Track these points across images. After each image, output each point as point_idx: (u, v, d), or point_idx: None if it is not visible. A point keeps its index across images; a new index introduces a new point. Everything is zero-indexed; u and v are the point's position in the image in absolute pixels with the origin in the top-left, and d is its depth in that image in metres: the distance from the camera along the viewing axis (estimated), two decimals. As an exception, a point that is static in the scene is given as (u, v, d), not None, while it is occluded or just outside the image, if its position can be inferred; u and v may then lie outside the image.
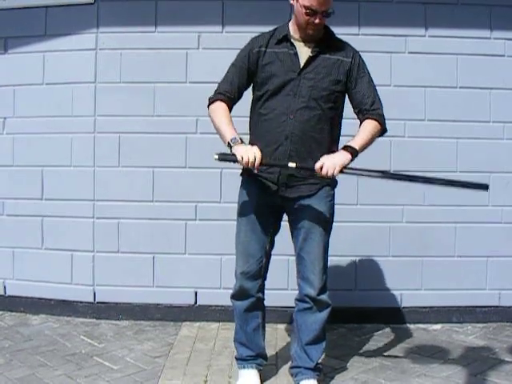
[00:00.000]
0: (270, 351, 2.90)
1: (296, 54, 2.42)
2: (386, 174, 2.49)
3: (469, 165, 3.48)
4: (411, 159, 3.47)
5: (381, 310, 3.51)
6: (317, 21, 2.33)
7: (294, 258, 2.60)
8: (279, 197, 2.47)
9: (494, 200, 3.48)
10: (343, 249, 3.47)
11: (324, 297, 2.51)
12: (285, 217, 2.59)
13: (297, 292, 2.59)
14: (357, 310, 3.49)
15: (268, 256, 2.58)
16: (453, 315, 3.53)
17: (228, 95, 2.47)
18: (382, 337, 3.31)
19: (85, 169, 3.52)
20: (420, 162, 3.46)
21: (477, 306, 3.53)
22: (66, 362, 2.89)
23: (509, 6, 3.44)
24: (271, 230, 2.55)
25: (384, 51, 3.43)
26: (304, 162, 2.38)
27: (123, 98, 3.48)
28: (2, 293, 3.66)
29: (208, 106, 2.50)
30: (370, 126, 2.43)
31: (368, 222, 3.48)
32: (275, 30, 2.50)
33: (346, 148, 2.36)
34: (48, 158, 3.55)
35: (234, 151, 2.32)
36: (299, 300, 2.57)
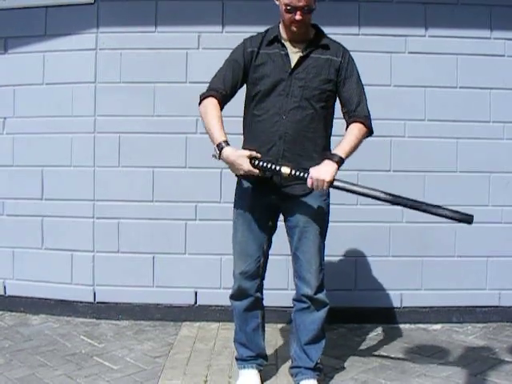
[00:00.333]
0: (269, 351, 2.90)
1: (287, 54, 2.43)
2: (374, 194, 2.37)
3: (469, 165, 3.48)
4: (411, 159, 3.47)
5: (381, 309, 3.51)
6: (297, 17, 2.34)
7: (293, 258, 2.60)
8: (274, 196, 2.48)
9: (494, 200, 3.48)
10: (343, 249, 3.48)
11: (321, 296, 2.51)
12: (281, 217, 2.59)
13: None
14: (357, 310, 3.49)
15: (266, 255, 2.58)
16: (453, 315, 3.53)
17: (221, 92, 2.45)
18: (382, 337, 3.31)
19: (85, 169, 3.52)
20: (420, 162, 3.46)
21: (477, 306, 3.53)
22: (66, 362, 2.89)
23: (509, 5, 3.44)
24: (268, 229, 2.55)
25: (384, 51, 3.43)
26: (298, 161, 2.39)
27: (123, 97, 3.48)
28: (2, 293, 3.66)
29: (200, 102, 2.47)
30: (356, 129, 2.42)
31: (368, 222, 3.47)
32: (267, 31, 2.51)
33: (332, 157, 2.36)
34: (48, 158, 3.55)
35: (223, 155, 2.33)
36: (296, 300, 2.57)
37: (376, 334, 3.37)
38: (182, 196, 3.49)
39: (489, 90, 3.47)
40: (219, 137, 2.35)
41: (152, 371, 2.80)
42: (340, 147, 2.39)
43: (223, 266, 3.47)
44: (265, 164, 2.34)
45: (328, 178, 2.30)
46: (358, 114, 2.44)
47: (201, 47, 3.47)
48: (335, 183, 2.33)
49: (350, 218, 3.43)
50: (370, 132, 2.47)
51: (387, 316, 3.50)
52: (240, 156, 2.32)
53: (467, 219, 2.35)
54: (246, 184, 2.52)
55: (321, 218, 2.50)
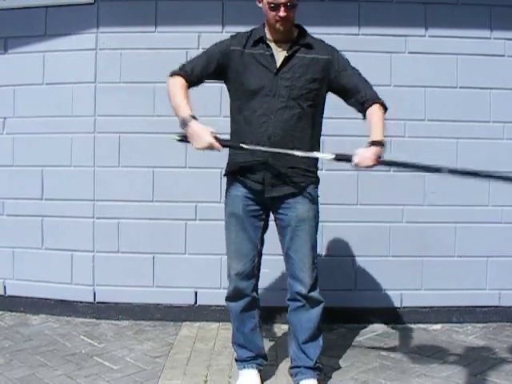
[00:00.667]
0: (269, 351, 2.91)
1: (272, 54, 2.44)
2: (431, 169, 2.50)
3: (469, 165, 3.45)
4: (411, 159, 3.43)
5: (381, 309, 3.51)
6: (281, 13, 2.35)
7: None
8: (265, 196, 2.48)
9: (494, 200, 3.48)
10: (343, 249, 3.47)
11: (315, 294, 2.52)
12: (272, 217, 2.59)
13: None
14: (357, 310, 3.49)
15: (260, 255, 2.60)
16: (453, 315, 3.53)
17: (189, 76, 2.49)
18: (382, 337, 3.31)
19: (85, 169, 3.52)
20: (420, 161, 3.45)
21: (477, 306, 3.53)
22: (66, 362, 2.89)
23: (509, 5, 3.44)
24: (261, 228, 2.56)
25: (384, 51, 3.43)
26: (286, 160, 2.41)
27: (123, 97, 3.48)
28: (2, 293, 3.66)
29: (169, 77, 2.52)
30: (380, 111, 2.45)
31: (368, 222, 3.47)
32: (252, 31, 2.52)
33: (374, 143, 2.37)
34: (48, 158, 3.55)
35: (189, 128, 2.35)
36: (291, 299, 2.58)
37: (376, 334, 3.37)
38: (181, 196, 3.49)
39: (489, 90, 3.47)
40: (187, 111, 2.39)
41: (152, 371, 2.80)
42: (375, 133, 2.39)
43: (223, 266, 3.45)
44: (228, 143, 2.41)
45: (373, 157, 2.33)
46: (370, 96, 2.46)
47: (201, 47, 3.46)
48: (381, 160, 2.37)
49: (350, 218, 3.43)
50: (386, 109, 2.50)
51: (387, 316, 3.50)
52: (205, 129, 2.34)
53: None
54: (235, 184, 2.53)
55: (312, 216, 2.50)
